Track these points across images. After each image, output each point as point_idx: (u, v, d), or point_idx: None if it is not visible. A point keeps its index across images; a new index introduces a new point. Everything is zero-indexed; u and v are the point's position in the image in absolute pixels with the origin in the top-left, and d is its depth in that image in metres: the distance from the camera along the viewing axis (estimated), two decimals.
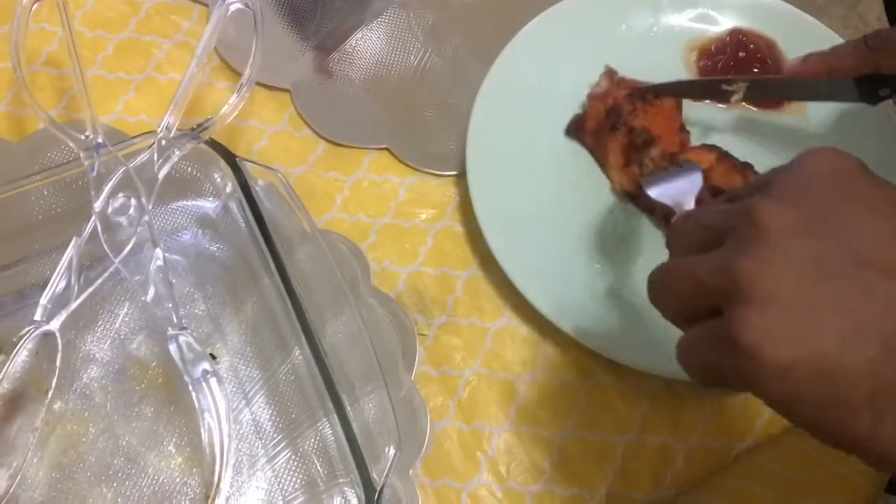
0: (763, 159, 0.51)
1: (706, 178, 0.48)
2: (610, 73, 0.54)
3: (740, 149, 0.52)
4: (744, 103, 0.55)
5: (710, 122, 0.55)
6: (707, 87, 0.54)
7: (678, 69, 0.56)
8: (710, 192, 0.48)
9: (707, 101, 0.55)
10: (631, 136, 0.50)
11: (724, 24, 0.57)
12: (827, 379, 0.28)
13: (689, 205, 0.42)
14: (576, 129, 0.54)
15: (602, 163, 0.53)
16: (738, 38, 0.56)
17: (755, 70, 0.56)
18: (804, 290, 0.29)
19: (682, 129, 0.52)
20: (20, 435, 0.43)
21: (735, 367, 0.29)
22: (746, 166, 0.50)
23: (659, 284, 0.35)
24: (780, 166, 0.33)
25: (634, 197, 0.51)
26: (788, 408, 0.29)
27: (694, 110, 0.54)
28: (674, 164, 0.49)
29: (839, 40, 0.56)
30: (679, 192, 0.43)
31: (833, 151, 0.32)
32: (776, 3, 0.57)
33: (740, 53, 0.56)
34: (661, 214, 0.50)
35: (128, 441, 0.44)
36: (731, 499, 0.53)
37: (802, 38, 0.56)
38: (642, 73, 0.54)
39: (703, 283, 0.31)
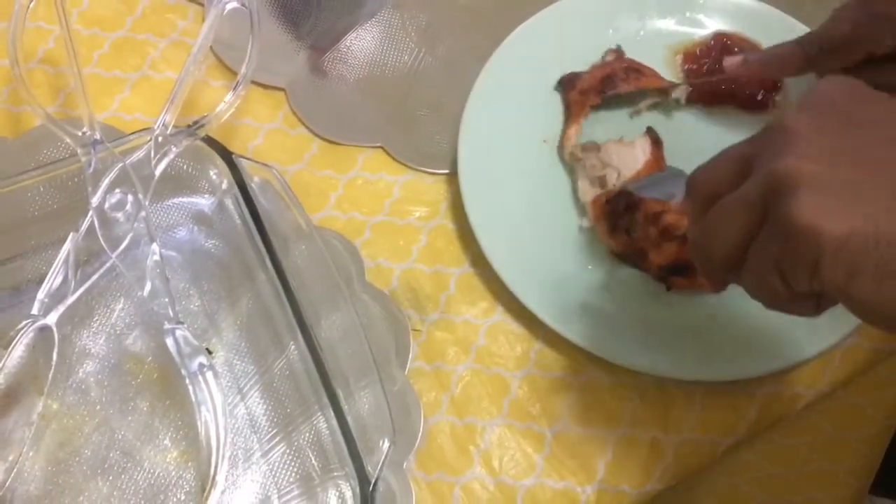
0: None
1: None
2: (619, 52, 0.56)
3: None
4: (729, 105, 0.56)
5: (694, 147, 0.54)
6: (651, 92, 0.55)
7: (663, 72, 0.57)
8: None
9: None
10: (611, 203, 0.49)
11: (710, 27, 0.58)
12: (883, 245, 0.29)
13: (680, 197, 0.42)
14: (566, 84, 0.55)
15: (568, 123, 0.54)
16: (722, 42, 0.57)
17: None
18: (847, 171, 0.31)
19: None
20: (16, 429, 0.43)
21: (796, 253, 0.30)
22: None
23: (705, 233, 0.35)
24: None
25: (625, 258, 0.51)
26: (848, 285, 0.30)
27: (675, 141, 0.54)
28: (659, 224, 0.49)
29: None
30: (668, 189, 0.44)
31: (842, 77, 0.35)
32: (761, 7, 0.58)
33: (725, 57, 0.57)
34: (656, 276, 0.49)
35: (123, 435, 0.45)
36: (719, 496, 0.54)
37: (785, 40, 0.57)
38: None
39: (749, 202, 0.32)
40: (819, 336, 0.48)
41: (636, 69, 0.54)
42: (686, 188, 0.37)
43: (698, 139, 0.54)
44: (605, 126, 0.55)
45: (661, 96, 0.55)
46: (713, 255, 0.34)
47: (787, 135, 0.32)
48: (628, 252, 0.50)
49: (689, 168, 0.48)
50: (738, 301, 0.50)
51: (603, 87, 0.53)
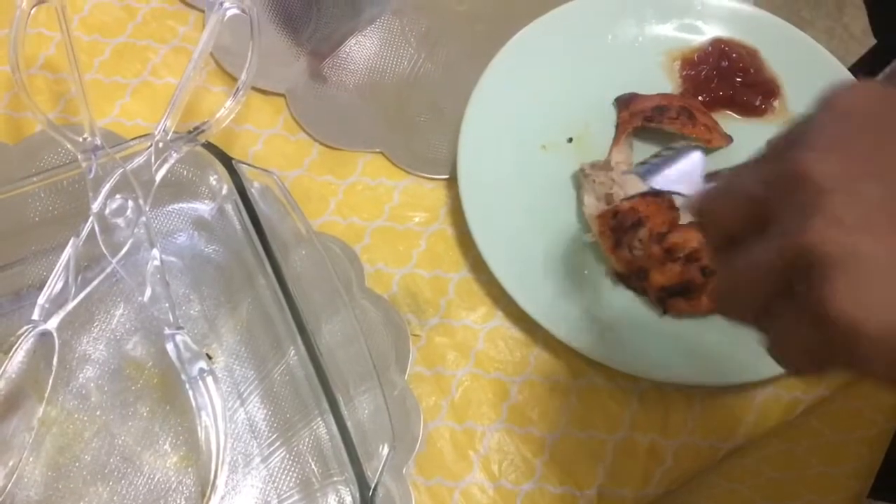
0: None
1: (697, 258, 0.48)
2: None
3: None
4: (727, 111, 0.57)
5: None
6: None
7: (662, 78, 0.57)
8: (702, 271, 0.48)
9: None
10: (618, 217, 0.49)
11: (708, 33, 0.59)
12: None
13: (699, 185, 0.39)
14: (622, 102, 0.55)
15: (614, 141, 0.54)
16: (720, 48, 0.58)
17: (737, 79, 0.57)
18: (886, 243, 0.26)
19: (672, 207, 0.50)
20: (17, 434, 0.43)
21: (836, 347, 0.26)
22: None
23: (728, 292, 0.31)
24: (807, 114, 0.29)
25: (626, 278, 0.50)
26: None
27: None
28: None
29: (819, 49, 0.57)
30: (682, 174, 0.42)
31: (859, 85, 0.29)
32: (758, 13, 0.59)
33: (723, 63, 0.57)
34: (655, 298, 0.49)
35: (123, 440, 0.45)
36: (719, 500, 0.54)
37: (784, 46, 0.58)
38: (626, 82, 0.56)
39: (771, 268, 0.28)
40: None
41: (691, 113, 0.53)
42: (693, 211, 0.32)
43: None
44: (646, 155, 0.53)
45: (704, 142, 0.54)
46: (734, 311, 0.30)
47: (811, 191, 0.26)
48: (630, 271, 0.50)
49: None
50: None
51: (652, 115, 0.53)
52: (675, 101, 0.54)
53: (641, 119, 0.53)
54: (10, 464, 0.42)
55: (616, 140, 0.54)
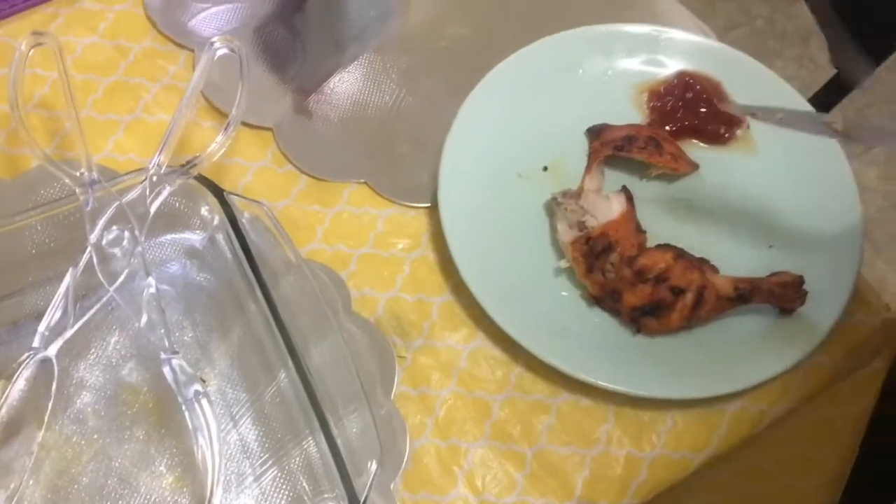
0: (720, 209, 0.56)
1: (665, 278, 0.50)
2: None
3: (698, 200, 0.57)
4: (693, 139, 0.60)
5: (685, 220, 0.57)
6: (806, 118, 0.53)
7: (631, 110, 0.60)
8: (671, 291, 0.50)
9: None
10: (590, 243, 0.52)
11: (673, 67, 0.61)
12: None
13: None
14: (593, 133, 0.58)
15: (586, 170, 0.56)
16: (685, 81, 0.60)
17: (702, 110, 0.60)
18: None
19: (639, 230, 0.54)
20: (17, 458, 0.44)
21: None
22: (703, 261, 0.53)
23: None
24: None
25: (600, 300, 0.52)
26: None
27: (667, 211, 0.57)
28: (634, 265, 0.51)
29: (778, 80, 0.60)
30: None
31: None
32: (720, 47, 0.62)
33: (688, 94, 0.60)
34: (628, 318, 0.52)
35: (120, 463, 0.46)
36: None
37: (744, 78, 0.61)
38: (597, 113, 0.59)
39: None
40: (782, 356, 0.51)
41: (658, 143, 0.56)
42: None
43: (690, 214, 0.57)
44: (616, 182, 0.57)
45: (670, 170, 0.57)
46: None
47: None
48: (604, 293, 0.52)
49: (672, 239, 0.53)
50: (705, 330, 0.53)
51: (621, 144, 0.56)
52: (644, 131, 0.57)
53: (612, 148, 0.56)
54: (11, 487, 0.44)
55: (588, 168, 0.56)
